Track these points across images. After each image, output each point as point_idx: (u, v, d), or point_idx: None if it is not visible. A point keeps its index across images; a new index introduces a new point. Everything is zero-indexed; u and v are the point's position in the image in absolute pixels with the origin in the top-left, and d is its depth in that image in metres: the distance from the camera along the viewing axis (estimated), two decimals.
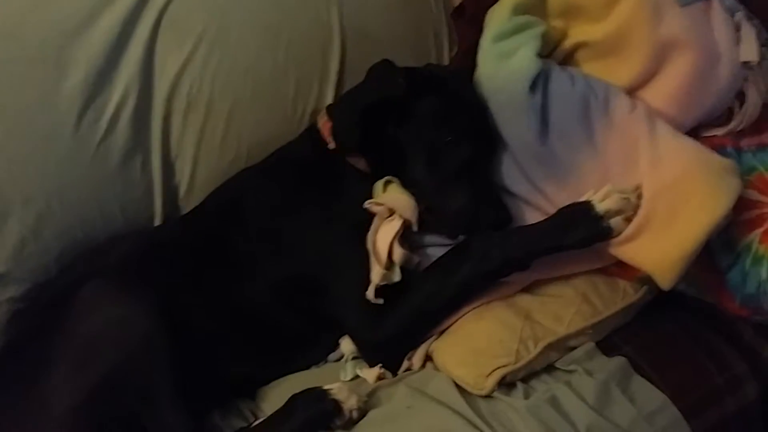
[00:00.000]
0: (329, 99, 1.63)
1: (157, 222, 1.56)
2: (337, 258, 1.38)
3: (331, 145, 1.46)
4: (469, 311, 1.37)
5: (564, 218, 1.31)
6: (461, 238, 1.38)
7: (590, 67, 1.47)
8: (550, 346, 1.32)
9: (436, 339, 1.38)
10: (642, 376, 1.32)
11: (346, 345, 1.41)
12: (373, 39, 1.67)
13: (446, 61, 1.76)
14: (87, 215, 1.47)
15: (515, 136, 1.40)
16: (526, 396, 1.28)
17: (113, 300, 1.26)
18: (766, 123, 1.41)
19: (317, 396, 1.26)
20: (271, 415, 1.29)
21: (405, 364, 1.38)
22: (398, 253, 1.34)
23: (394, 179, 1.42)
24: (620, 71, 1.43)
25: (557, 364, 1.34)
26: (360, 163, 1.45)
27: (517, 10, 1.46)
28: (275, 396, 1.36)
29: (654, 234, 1.27)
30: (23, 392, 1.22)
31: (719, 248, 1.33)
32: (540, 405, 1.25)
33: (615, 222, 1.28)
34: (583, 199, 1.31)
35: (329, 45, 1.63)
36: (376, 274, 1.32)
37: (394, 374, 1.37)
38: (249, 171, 1.54)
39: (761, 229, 1.32)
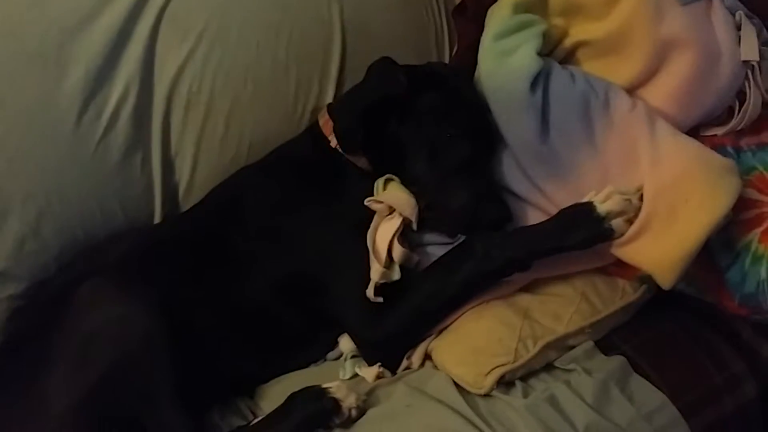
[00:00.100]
0: (330, 97, 1.63)
1: (157, 220, 1.56)
2: (337, 256, 1.38)
3: (332, 144, 1.46)
4: (468, 310, 1.37)
5: (565, 219, 1.31)
6: (461, 237, 1.38)
7: (591, 66, 1.47)
8: (549, 345, 1.32)
9: (436, 338, 1.38)
10: (641, 375, 1.33)
11: (346, 343, 1.41)
12: (373, 37, 1.66)
13: (447, 59, 1.76)
14: (87, 213, 1.47)
15: (515, 134, 1.40)
16: (525, 395, 1.28)
17: (113, 298, 1.26)
18: (766, 122, 1.41)
19: (316, 394, 1.27)
20: (270, 413, 1.29)
21: (404, 363, 1.38)
22: (398, 251, 1.34)
23: (395, 177, 1.42)
24: (621, 70, 1.43)
25: (556, 363, 1.34)
26: (361, 162, 1.45)
27: (518, 9, 1.46)
28: (274, 394, 1.36)
29: (654, 234, 1.27)
30: (23, 390, 1.23)
31: (718, 247, 1.33)
32: (539, 404, 1.25)
33: (616, 223, 1.27)
34: (584, 200, 1.30)
35: (330, 43, 1.63)
36: (376, 272, 1.32)
37: (394, 373, 1.37)
38: (249, 169, 1.54)
39: (760, 229, 1.32)
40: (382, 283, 1.32)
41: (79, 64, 1.44)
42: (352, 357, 1.40)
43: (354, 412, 1.26)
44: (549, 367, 1.34)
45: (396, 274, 1.33)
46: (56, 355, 1.22)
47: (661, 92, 1.40)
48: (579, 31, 1.48)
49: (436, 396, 1.28)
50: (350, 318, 1.36)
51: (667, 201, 1.27)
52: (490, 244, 1.32)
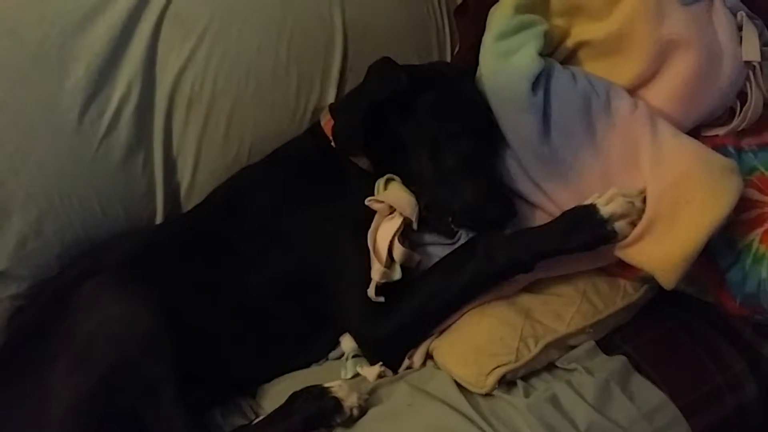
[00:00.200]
0: (331, 96, 1.63)
1: (159, 219, 1.56)
2: (338, 256, 1.38)
3: (334, 143, 1.46)
4: (469, 310, 1.37)
5: (568, 221, 1.30)
6: (461, 237, 1.38)
7: (592, 66, 1.47)
8: (550, 345, 1.33)
9: (437, 337, 1.38)
10: (642, 374, 1.33)
11: (347, 343, 1.41)
12: (375, 37, 1.66)
13: (448, 59, 1.76)
14: (88, 213, 1.47)
15: (516, 134, 1.40)
16: (527, 394, 1.28)
17: (114, 298, 1.26)
18: (767, 123, 1.41)
19: (318, 394, 1.27)
20: (272, 412, 1.29)
21: (406, 363, 1.38)
22: (398, 251, 1.34)
23: (395, 177, 1.42)
24: (622, 70, 1.43)
25: (557, 363, 1.34)
26: (362, 162, 1.45)
27: (520, 9, 1.46)
28: (276, 393, 1.36)
29: (656, 235, 1.27)
30: (24, 389, 1.23)
31: (720, 248, 1.33)
32: (540, 403, 1.25)
33: (619, 226, 1.27)
34: (587, 202, 1.30)
35: (332, 43, 1.63)
36: (377, 271, 1.32)
37: (395, 372, 1.37)
38: (251, 168, 1.54)
39: (762, 229, 1.32)
40: (383, 283, 1.32)
41: (81, 63, 1.44)
42: (354, 356, 1.40)
43: (355, 412, 1.26)
44: (550, 367, 1.34)
45: (397, 274, 1.33)
46: (58, 355, 1.22)
47: (663, 93, 1.40)
48: (580, 32, 1.48)
49: (438, 395, 1.28)
50: (352, 317, 1.36)
51: (668, 201, 1.27)
52: (493, 245, 1.32)
